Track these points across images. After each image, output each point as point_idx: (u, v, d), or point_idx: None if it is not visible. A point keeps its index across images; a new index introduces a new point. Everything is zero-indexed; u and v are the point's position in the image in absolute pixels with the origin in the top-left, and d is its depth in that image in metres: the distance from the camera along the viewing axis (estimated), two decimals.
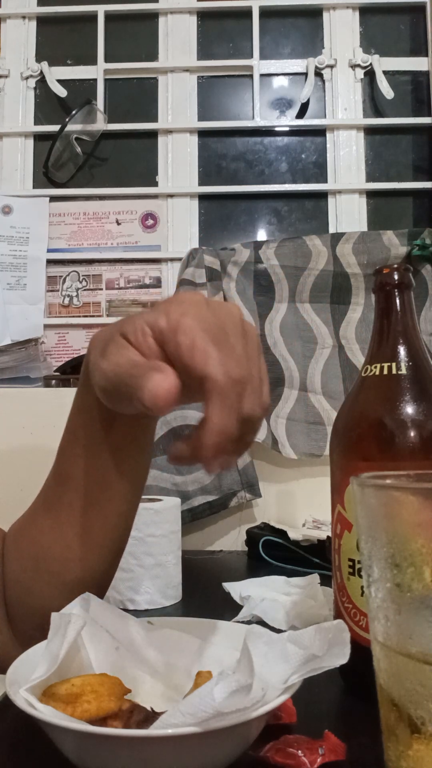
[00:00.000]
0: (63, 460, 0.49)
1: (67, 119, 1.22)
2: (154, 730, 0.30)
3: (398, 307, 0.47)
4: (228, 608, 0.64)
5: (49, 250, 1.25)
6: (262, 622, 0.59)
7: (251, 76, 1.29)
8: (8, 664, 0.37)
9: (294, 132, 1.30)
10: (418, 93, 1.29)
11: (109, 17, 1.30)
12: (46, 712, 0.32)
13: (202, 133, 1.30)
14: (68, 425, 0.49)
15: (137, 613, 0.45)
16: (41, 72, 1.29)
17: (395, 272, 0.47)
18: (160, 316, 0.36)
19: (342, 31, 1.29)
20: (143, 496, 0.85)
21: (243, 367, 0.35)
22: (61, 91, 1.27)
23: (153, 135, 1.30)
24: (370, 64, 1.27)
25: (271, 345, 1.10)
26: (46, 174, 1.27)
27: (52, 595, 0.48)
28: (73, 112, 1.23)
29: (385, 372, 0.45)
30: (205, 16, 1.32)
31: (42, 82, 1.30)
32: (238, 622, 0.58)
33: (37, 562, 0.49)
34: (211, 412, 0.34)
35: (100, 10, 1.30)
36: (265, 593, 0.65)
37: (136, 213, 1.27)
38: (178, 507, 0.76)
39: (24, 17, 1.32)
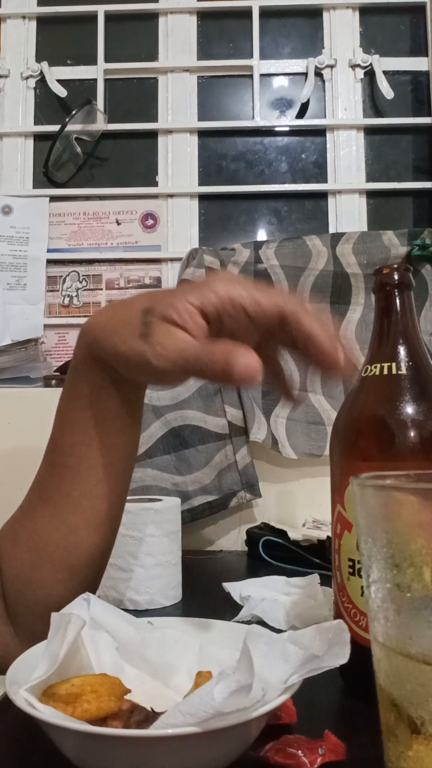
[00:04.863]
0: (57, 451, 0.50)
1: (67, 119, 1.22)
2: (154, 730, 0.30)
3: (398, 307, 0.47)
4: (228, 608, 0.64)
5: (49, 250, 1.25)
6: (262, 622, 0.59)
7: (251, 76, 1.29)
8: (10, 663, 0.38)
9: (294, 132, 1.30)
10: (418, 93, 1.29)
11: (109, 17, 1.30)
12: (46, 712, 0.32)
13: (202, 133, 1.30)
14: (59, 417, 0.50)
15: (137, 613, 0.45)
16: (41, 72, 1.29)
17: (395, 272, 0.47)
18: (205, 293, 0.40)
19: (342, 31, 1.29)
20: (143, 496, 0.85)
21: (292, 297, 0.41)
22: (61, 91, 1.27)
23: (153, 135, 1.30)
24: (370, 64, 1.27)
25: None
26: (46, 174, 1.26)
27: (54, 582, 0.50)
28: (73, 112, 1.23)
29: (385, 372, 0.45)
30: (205, 16, 1.32)
31: (42, 82, 1.30)
32: (238, 622, 0.58)
33: (38, 553, 0.50)
34: (312, 328, 0.39)
35: (100, 10, 1.30)
36: (265, 593, 0.65)
37: (136, 213, 1.27)
38: (178, 507, 0.76)
39: (24, 17, 1.32)
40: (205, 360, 0.38)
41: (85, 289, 1.26)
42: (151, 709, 0.36)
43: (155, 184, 1.29)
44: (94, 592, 0.53)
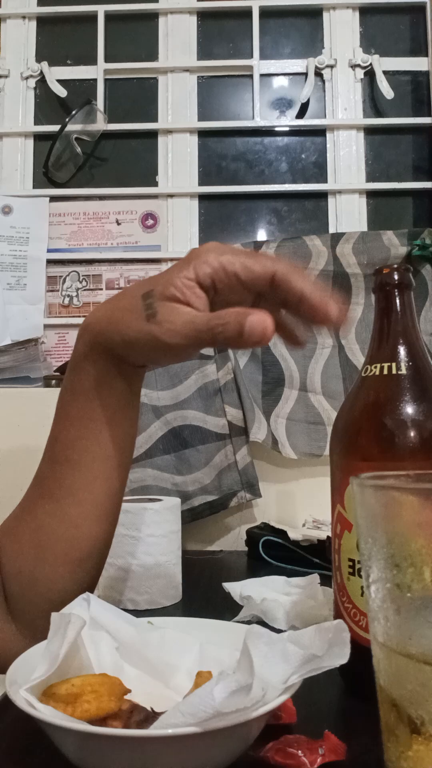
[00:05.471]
0: (58, 447, 0.51)
1: (67, 119, 1.22)
2: (154, 730, 0.30)
3: (398, 307, 0.47)
4: (228, 608, 0.64)
5: (49, 250, 1.25)
6: (262, 622, 0.59)
7: (251, 76, 1.29)
8: (12, 661, 0.38)
9: (294, 132, 1.30)
10: (418, 93, 1.29)
11: (109, 17, 1.30)
12: (46, 712, 0.32)
13: (202, 133, 1.30)
14: (60, 412, 0.51)
15: (137, 613, 0.45)
16: (41, 72, 1.29)
17: (395, 272, 0.47)
18: (199, 265, 0.42)
19: (342, 31, 1.29)
20: (143, 496, 0.85)
21: (280, 259, 0.44)
22: (61, 91, 1.27)
23: (153, 135, 1.30)
24: (370, 64, 1.27)
25: (271, 345, 1.10)
26: (46, 174, 1.27)
27: (58, 576, 0.50)
28: (73, 112, 1.23)
29: (385, 372, 0.45)
30: (205, 16, 1.32)
31: (42, 82, 1.30)
32: (238, 622, 0.58)
33: (41, 548, 0.50)
34: (303, 285, 0.42)
35: (100, 10, 1.30)
36: (265, 593, 0.65)
37: (136, 213, 1.27)
38: (178, 507, 0.76)
39: (24, 17, 1.32)
40: (217, 326, 0.41)
41: (85, 289, 1.26)
42: (151, 709, 0.36)
43: (155, 184, 1.29)
44: (95, 585, 0.54)
